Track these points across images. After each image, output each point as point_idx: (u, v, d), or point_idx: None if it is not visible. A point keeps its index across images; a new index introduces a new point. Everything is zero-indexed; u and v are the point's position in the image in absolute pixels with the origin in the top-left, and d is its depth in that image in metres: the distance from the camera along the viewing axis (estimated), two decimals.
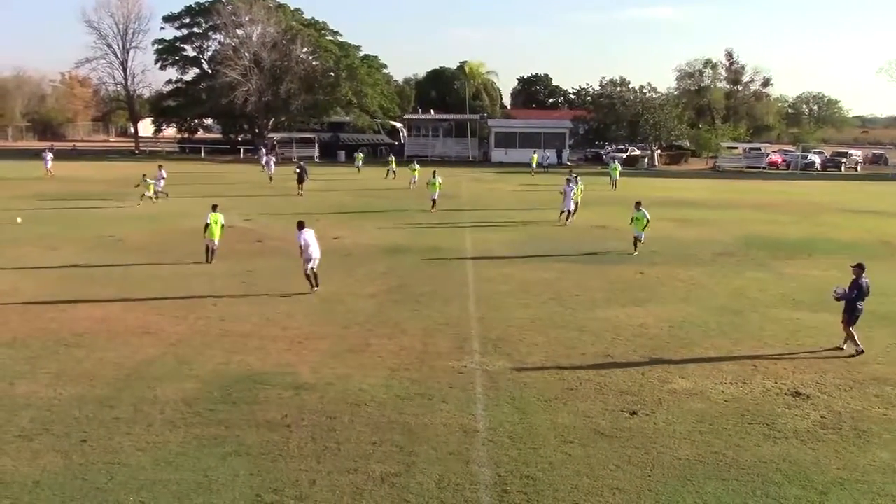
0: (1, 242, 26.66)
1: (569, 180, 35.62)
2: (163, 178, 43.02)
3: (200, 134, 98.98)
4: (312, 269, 20.17)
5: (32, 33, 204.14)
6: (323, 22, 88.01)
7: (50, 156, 55.95)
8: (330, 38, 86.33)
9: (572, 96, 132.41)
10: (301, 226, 20.12)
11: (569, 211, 34.36)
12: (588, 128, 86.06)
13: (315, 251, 20.06)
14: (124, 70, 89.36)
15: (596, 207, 39.64)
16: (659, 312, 18.79)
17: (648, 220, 26.74)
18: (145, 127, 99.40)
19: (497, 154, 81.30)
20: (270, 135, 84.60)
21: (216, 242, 24.08)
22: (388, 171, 57.79)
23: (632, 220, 27.19)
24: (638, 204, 27.10)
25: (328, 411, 12.19)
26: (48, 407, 12.15)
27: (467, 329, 17.06)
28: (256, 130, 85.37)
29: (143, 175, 39.72)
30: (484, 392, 13.21)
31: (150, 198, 38.87)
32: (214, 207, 24.48)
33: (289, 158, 77.39)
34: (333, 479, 9.94)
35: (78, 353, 14.85)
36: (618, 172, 53.21)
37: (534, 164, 67.51)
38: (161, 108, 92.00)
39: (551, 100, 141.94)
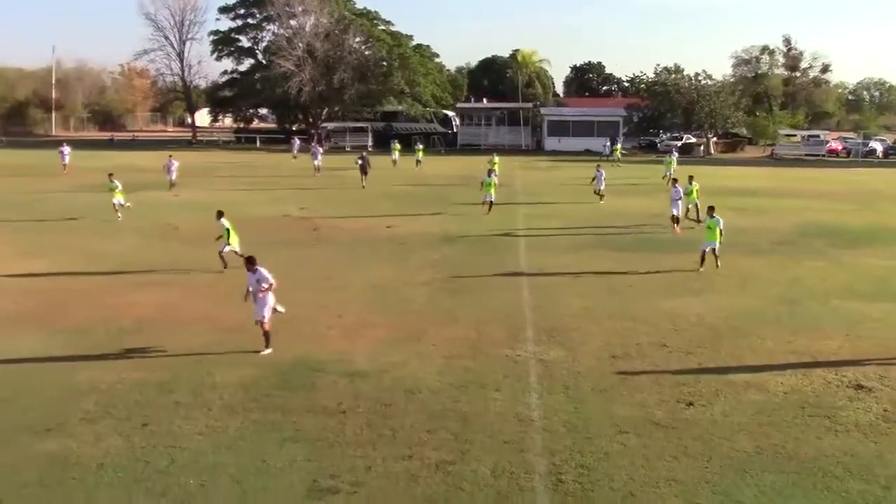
0: (62, 231, 27.30)
1: (675, 180, 31.88)
2: (173, 168, 41.28)
3: (256, 124, 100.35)
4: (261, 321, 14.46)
5: (93, 27, 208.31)
6: (375, 11, 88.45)
7: (67, 149, 51.89)
8: (382, 27, 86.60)
9: (626, 84, 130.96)
10: (251, 263, 14.52)
11: (676, 216, 28.79)
12: (642, 116, 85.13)
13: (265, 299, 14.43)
14: (181, 61, 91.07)
15: (653, 195, 39.23)
16: (716, 302, 18.52)
17: (722, 231, 21.92)
18: (202, 117, 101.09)
19: (550, 143, 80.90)
20: (324, 124, 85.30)
21: (235, 248, 21.29)
22: (416, 161, 57.16)
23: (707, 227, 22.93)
24: (711, 210, 22.36)
25: (383, 398, 12.27)
26: (110, 391, 12.43)
27: (521, 318, 17.02)
28: (310, 120, 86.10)
29: (110, 175, 31.65)
30: (538, 381, 13.17)
31: (117, 206, 30.27)
32: (220, 215, 22.02)
33: (342, 148, 78.01)
34: (388, 465, 10.02)
35: (139, 339, 15.16)
36: (673, 166, 47.88)
37: (618, 154, 64.38)
38: (217, 99, 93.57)
39: (604, 88, 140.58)
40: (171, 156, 43.15)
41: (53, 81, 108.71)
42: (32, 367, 13.49)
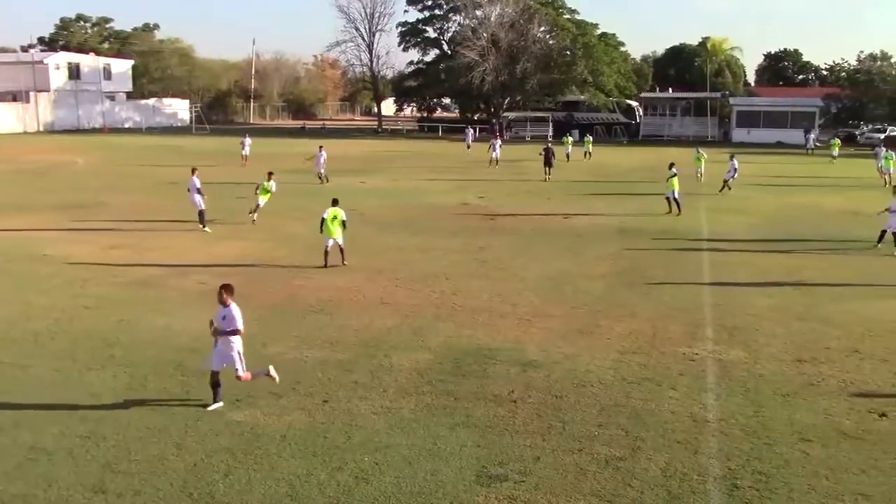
0: (246, 212, 28.86)
1: None
2: (323, 158, 39.57)
3: (438, 113, 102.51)
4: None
5: (290, 20, 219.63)
6: (560, 0, 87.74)
7: (248, 141, 50.36)
8: (567, 16, 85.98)
9: (824, 72, 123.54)
10: (226, 294, 11.30)
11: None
12: (841, 106, 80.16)
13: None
14: (370, 52, 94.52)
15: (849, 192, 36.94)
16: None
17: None
18: (387, 106, 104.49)
19: (738, 134, 77.70)
20: (505, 114, 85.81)
21: (338, 242, 20.44)
22: (584, 152, 55.77)
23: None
24: None
25: (554, 390, 12.25)
26: (295, 367, 13.08)
27: (700, 315, 16.49)
28: (492, 110, 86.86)
29: (270, 173, 28.17)
30: (716, 381, 12.73)
31: (252, 214, 26.95)
32: (335, 202, 20.81)
33: (522, 138, 78.22)
34: (557, 457, 10.00)
35: (322, 320, 15.87)
36: (893, 163, 41.69)
37: (835, 152, 56.81)
38: (402, 89, 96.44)
39: (800, 76, 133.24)
40: (321, 146, 41.32)
41: (252, 72, 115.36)
42: None
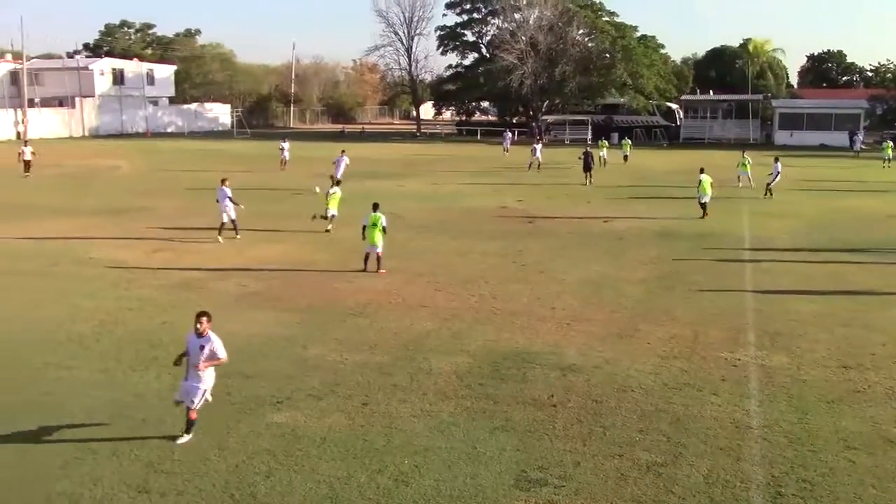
0: (289, 216, 29.07)
1: None
2: (344, 163, 38.26)
3: (477, 116, 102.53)
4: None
5: (329, 25, 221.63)
6: (599, 3, 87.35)
7: (287, 145, 49.66)
8: (606, 18, 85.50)
9: (869, 74, 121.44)
10: (204, 320, 10.37)
11: None
12: (887, 107, 78.76)
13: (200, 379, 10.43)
14: (409, 56, 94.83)
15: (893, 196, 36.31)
16: None
17: None
18: (426, 110, 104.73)
19: (781, 136, 76.63)
20: (543, 117, 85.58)
21: (377, 249, 20.22)
22: (623, 155, 55.29)
23: None
24: None
25: (594, 394, 12.18)
26: (334, 370, 13.16)
27: (743, 320, 16.29)
28: (530, 113, 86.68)
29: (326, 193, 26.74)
30: (759, 387, 12.57)
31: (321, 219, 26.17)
32: (375, 207, 20.54)
33: (561, 141, 77.95)
34: (598, 462, 9.94)
35: (362, 322, 15.94)
36: None
37: (889, 154, 54.55)
38: (441, 92, 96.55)
39: (844, 78, 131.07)
40: (343, 151, 40.46)
41: (293, 77, 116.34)
42: (271, 343, 14.53)
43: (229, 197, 24.48)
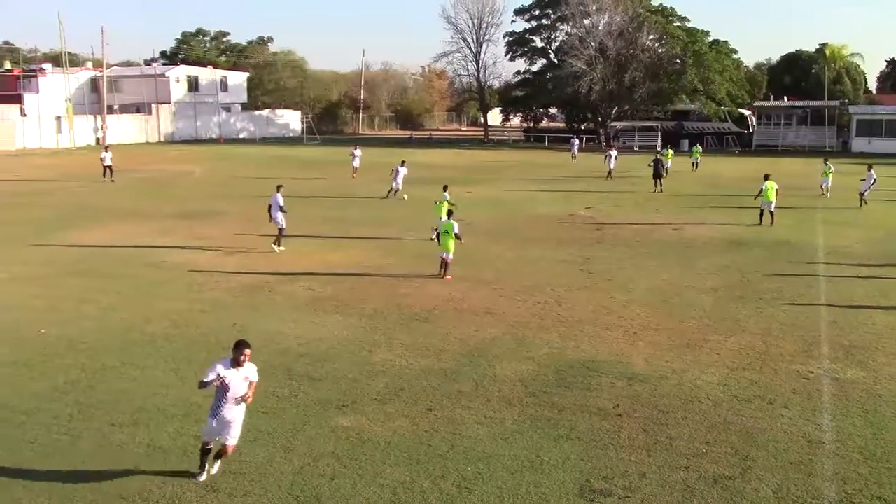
0: (357, 222, 29.38)
1: None
2: (402, 174, 37.37)
3: (545, 123, 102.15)
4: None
5: (398, 32, 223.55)
6: (671, 8, 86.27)
7: (358, 153, 48.82)
8: (677, 23, 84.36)
9: None
10: (244, 350, 9.47)
11: None
12: None
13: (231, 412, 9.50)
14: (477, 62, 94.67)
15: None
16: None
17: None
18: (493, 116, 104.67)
19: (858, 143, 74.48)
20: (612, 123, 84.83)
21: (449, 255, 20.38)
22: (692, 163, 53.83)
23: None
24: None
25: (661, 405, 12.01)
26: (399, 375, 13.24)
27: (816, 332, 15.88)
28: (599, 119, 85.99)
29: (445, 186, 28.59)
30: (832, 401, 12.23)
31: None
32: (449, 214, 21.29)
33: (630, 148, 77.14)
34: (664, 474, 9.79)
35: (427, 328, 16.00)
36: None
37: None
38: (509, 98, 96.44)
39: None
40: (403, 161, 39.23)
41: (362, 83, 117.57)
42: (337, 346, 14.69)
43: (280, 206, 23.96)
